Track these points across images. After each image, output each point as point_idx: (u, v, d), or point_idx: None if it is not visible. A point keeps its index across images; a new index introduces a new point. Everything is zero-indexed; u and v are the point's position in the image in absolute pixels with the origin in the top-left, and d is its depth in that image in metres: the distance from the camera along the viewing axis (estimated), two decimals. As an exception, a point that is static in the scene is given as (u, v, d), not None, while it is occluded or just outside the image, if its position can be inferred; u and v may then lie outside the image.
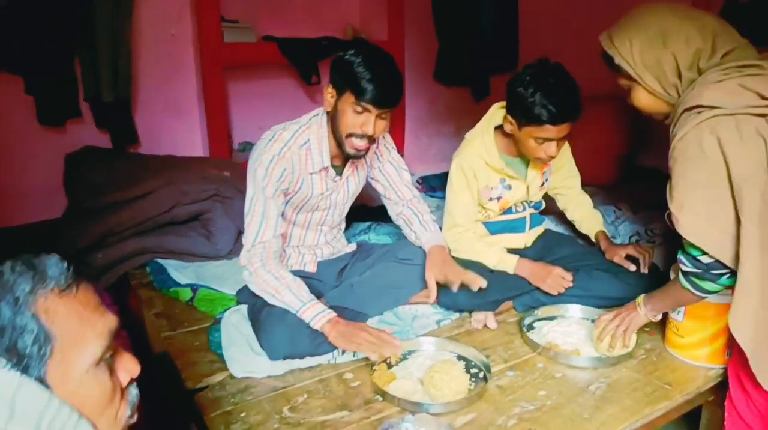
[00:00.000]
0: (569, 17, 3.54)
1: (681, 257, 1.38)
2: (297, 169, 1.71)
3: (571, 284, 1.83)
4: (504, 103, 1.84)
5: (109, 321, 0.64)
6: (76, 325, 0.60)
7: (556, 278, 1.83)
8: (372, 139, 1.65)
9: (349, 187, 1.88)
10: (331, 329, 1.54)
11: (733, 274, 1.26)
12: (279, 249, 1.70)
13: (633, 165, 3.25)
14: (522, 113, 1.73)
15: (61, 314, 0.59)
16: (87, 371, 0.60)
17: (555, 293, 1.83)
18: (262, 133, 1.76)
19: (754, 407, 1.35)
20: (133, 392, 0.69)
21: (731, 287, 1.29)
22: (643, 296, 1.60)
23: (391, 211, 2.02)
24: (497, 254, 1.91)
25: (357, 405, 1.45)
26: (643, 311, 1.58)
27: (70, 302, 0.61)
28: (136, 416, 0.69)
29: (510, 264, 1.89)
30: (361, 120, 1.60)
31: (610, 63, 1.43)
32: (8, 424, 0.53)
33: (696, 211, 1.27)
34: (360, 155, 1.70)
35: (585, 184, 3.04)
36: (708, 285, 1.35)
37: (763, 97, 1.21)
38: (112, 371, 0.65)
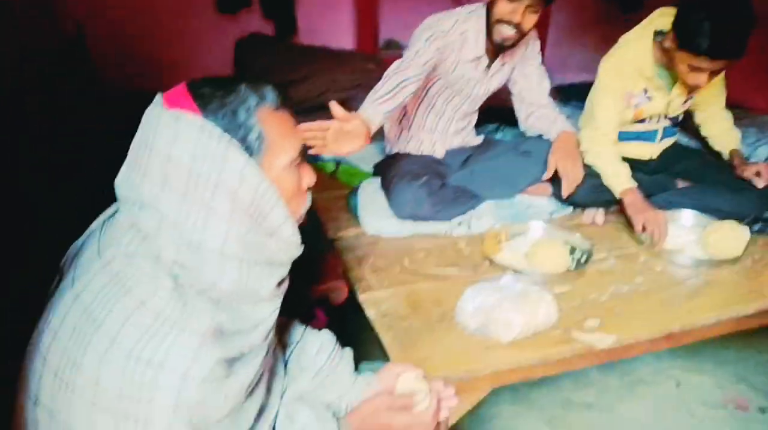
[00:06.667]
0: None
1: None
2: (452, 53, 1.87)
3: (662, 238, 1.74)
4: (669, 9, 1.81)
5: (300, 137, 0.87)
6: (280, 134, 0.83)
7: (652, 217, 1.76)
8: (520, 31, 1.76)
9: (492, 82, 2.01)
10: None
11: None
12: (405, 79, 1.71)
13: (794, 91, 3.00)
14: (683, 35, 1.69)
15: (272, 124, 0.82)
16: (284, 167, 0.84)
17: (639, 228, 1.78)
18: (405, 33, 1.93)
19: None
20: (309, 196, 0.92)
21: None
22: None
23: (521, 113, 2.11)
24: (617, 170, 1.90)
25: (466, 266, 1.68)
26: None
27: (278, 118, 0.83)
28: (305, 217, 0.94)
29: (619, 189, 1.87)
30: (512, 8, 1.72)
31: None
32: (239, 187, 0.78)
33: None
34: (505, 45, 1.81)
35: (735, 106, 2.89)
36: None
37: None
38: (298, 176, 0.88)
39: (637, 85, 1.93)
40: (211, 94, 0.78)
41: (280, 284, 0.89)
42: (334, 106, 1.42)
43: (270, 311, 0.87)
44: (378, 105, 1.64)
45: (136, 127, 0.80)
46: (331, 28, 3.21)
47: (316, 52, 2.84)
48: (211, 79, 0.81)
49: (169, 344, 0.71)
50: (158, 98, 0.79)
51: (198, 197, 0.76)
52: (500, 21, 1.76)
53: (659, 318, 1.45)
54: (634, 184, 1.88)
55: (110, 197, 0.84)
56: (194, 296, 0.77)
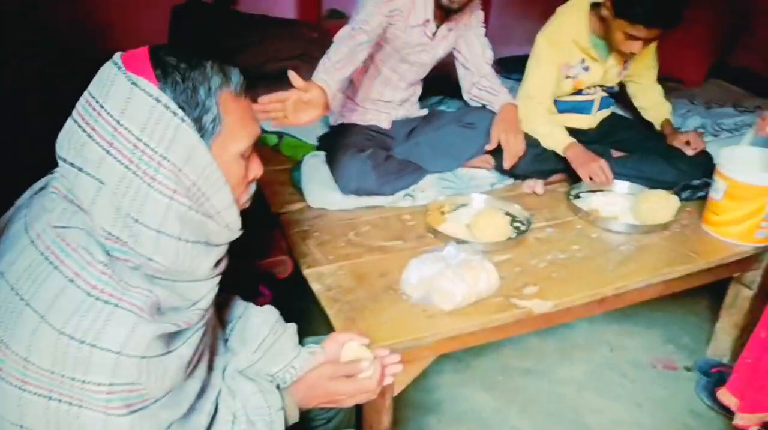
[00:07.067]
0: None
1: None
2: (400, 17, 1.84)
3: (608, 182, 1.88)
4: None
5: (256, 129, 0.85)
6: (237, 121, 0.80)
7: (595, 167, 1.86)
8: None
9: (438, 49, 2.01)
10: None
11: None
12: (358, 44, 1.69)
13: (722, 64, 3.14)
14: (620, 3, 1.74)
15: (231, 109, 0.79)
16: (234, 156, 0.81)
17: (587, 179, 1.88)
18: (349, 1, 1.88)
19: None
20: (253, 186, 0.90)
21: None
22: None
23: (465, 82, 2.13)
24: (553, 131, 1.97)
25: (411, 238, 1.70)
26: None
27: (239, 104, 0.81)
28: (249, 203, 0.91)
29: (560, 147, 1.94)
30: None
31: None
32: (185, 166, 0.75)
33: None
34: (453, 7, 1.81)
35: (668, 78, 3.00)
36: None
37: None
38: (246, 166, 0.86)
39: (573, 56, 1.98)
40: (174, 66, 0.75)
41: (217, 263, 0.87)
42: (293, 77, 1.40)
43: (207, 290, 0.85)
44: (333, 72, 1.61)
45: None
46: (272, -4, 3.12)
47: (256, 20, 2.75)
48: (177, 49, 0.78)
49: (104, 320, 0.69)
50: (117, 57, 0.75)
51: (141, 170, 0.73)
52: None
53: (593, 283, 1.52)
54: (572, 139, 1.93)
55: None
56: (129, 272, 0.75)
